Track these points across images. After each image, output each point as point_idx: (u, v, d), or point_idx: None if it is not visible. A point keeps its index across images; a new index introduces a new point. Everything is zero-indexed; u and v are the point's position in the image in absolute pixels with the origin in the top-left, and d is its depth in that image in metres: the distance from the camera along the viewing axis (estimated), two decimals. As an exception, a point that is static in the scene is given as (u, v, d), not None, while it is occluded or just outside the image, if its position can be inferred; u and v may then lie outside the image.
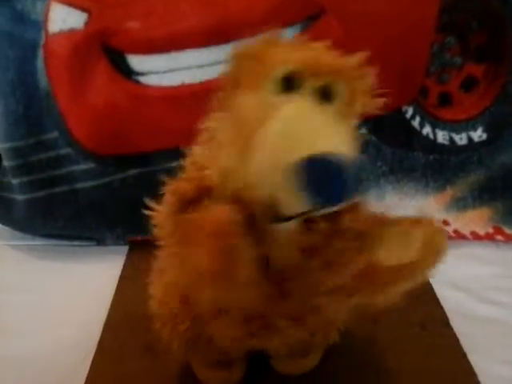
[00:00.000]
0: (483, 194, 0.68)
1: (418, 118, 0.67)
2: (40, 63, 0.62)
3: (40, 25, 0.61)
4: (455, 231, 0.69)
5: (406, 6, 0.61)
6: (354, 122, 0.32)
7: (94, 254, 0.71)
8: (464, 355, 0.51)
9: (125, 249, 0.71)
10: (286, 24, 0.61)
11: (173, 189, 0.33)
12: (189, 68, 0.61)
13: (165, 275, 0.42)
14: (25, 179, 0.66)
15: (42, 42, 0.61)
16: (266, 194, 0.30)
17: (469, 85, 0.67)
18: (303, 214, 0.30)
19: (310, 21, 0.62)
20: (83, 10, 0.59)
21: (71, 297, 0.62)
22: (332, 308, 0.38)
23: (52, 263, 0.68)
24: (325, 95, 0.30)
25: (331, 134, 0.29)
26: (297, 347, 0.45)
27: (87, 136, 0.64)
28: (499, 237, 0.69)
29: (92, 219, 0.67)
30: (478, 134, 0.68)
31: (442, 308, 0.58)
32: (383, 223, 0.35)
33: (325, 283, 0.34)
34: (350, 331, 0.53)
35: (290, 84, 0.30)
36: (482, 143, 0.68)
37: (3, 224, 0.73)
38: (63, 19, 0.59)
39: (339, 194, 0.28)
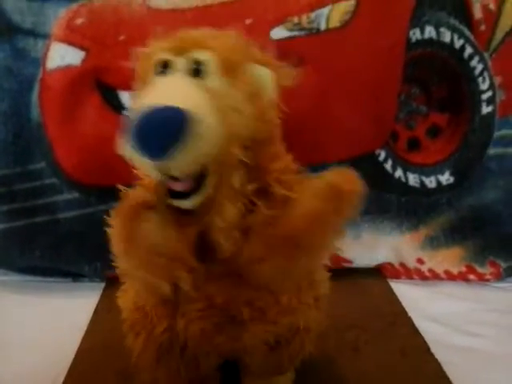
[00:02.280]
0: (455, 234, 0.72)
1: (390, 162, 0.71)
2: (34, 96, 0.65)
3: (39, 61, 0.65)
4: (430, 270, 0.71)
5: (375, 59, 0.68)
6: (244, 90, 0.35)
7: (69, 289, 0.69)
8: (448, 380, 0.51)
9: (101, 286, 0.69)
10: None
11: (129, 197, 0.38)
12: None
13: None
14: (5, 208, 0.66)
15: (39, 77, 0.65)
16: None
17: (434, 132, 0.73)
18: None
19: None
20: (82, 48, 0.64)
21: (44, 327, 0.60)
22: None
23: (25, 297, 0.67)
24: (197, 73, 0.34)
25: (173, 93, 0.32)
26: (272, 360, 0.44)
27: (74, 166, 0.66)
28: (472, 276, 0.71)
29: (71, 250, 0.67)
30: (446, 178, 0.72)
31: (421, 337, 0.58)
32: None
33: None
34: (331, 359, 0.53)
35: (164, 69, 0.35)
36: (450, 186, 0.72)
37: (-24, 258, 0.71)
38: (62, 56, 0.64)
39: (161, 142, 0.30)
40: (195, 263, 0.35)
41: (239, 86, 0.35)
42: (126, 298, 0.44)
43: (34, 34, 0.64)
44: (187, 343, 0.41)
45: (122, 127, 0.32)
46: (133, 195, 0.37)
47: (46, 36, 0.64)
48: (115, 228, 0.36)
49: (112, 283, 0.69)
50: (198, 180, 0.34)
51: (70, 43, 0.64)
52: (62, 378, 0.50)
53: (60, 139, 0.66)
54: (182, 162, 0.31)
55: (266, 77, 0.36)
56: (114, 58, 0.64)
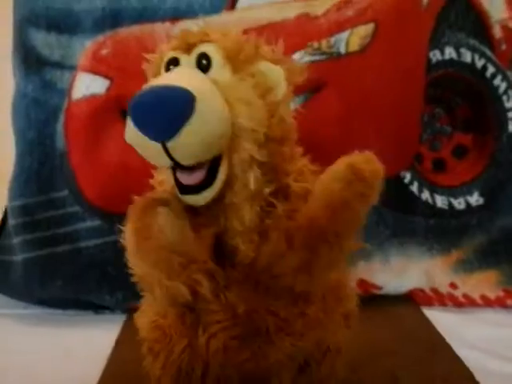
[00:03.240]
0: (488, 257, 0.69)
1: (416, 183, 0.70)
2: (60, 126, 0.66)
3: (65, 92, 0.66)
4: (465, 295, 0.68)
5: (396, 81, 0.68)
6: (254, 85, 0.35)
7: (90, 321, 0.68)
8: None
9: (122, 318, 0.67)
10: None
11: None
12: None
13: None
14: (28, 237, 0.66)
15: (65, 107, 0.66)
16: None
17: (460, 152, 0.71)
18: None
19: (312, 93, 0.68)
20: (107, 77, 0.65)
21: (65, 359, 0.58)
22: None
23: (46, 330, 0.65)
24: (204, 69, 0.34)
25: (176, 77, 0.32)
26: (301, 381, 0.41)
27: (97, 194, 0.65)
28: (510, 301, 0.67)
29: (92, 280, 0.65)
30: (475, 199, 0.70)
31: (463, 364, 0.54)
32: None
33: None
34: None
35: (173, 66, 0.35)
36: (479, 207, 0.70)
37: (-2, 291, 0.70)
38: (87, 86, 0.65)
39: (165, 119, 0.29)
40: (214, 266, 0.34)
41: (248, 80, 0.34)
42: (144, 318, 0.42)
43: (61, 66, 0.66)
44: (209, 364, 0.38)
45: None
46: (149, 194, 0.37)
47: (72, 67, 0.66)
48: (128, 223, 0.34)
49: (133, 315, 0.68)
50: (209, 175, 0.33)
51: (96, 73, 0.65)
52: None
53: (83, 167, 0.66)
54: (188, 142, 0.30)
55: (277, 74, 0.36)
56: (137, 86, 0.65)
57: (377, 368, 0.53)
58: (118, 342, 0.61)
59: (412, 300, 0.69)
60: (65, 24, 0.66)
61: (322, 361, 0.41)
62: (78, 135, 0.66)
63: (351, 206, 0.31)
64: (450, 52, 0.69)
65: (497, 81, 0.70)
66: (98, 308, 0.69)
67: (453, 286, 0.68)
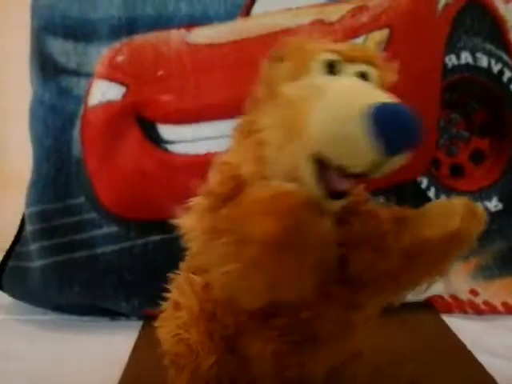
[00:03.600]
0: (508, 264, 0.68)
1: (433, 189, 0.69)
2: (76, 133, 0.66)
3: (81, 99, 0.66)
4: (485, 302, 0.67)
5: (412, 85, 0.67)
6: None
7: (107, 328, 0.67)
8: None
9: (139, 324, 0.67)
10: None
11: (207, 190, 0.34)
12: (215, 138, 0.66)
13: (182, 308, 0.39)
14: (45, 243, 0.66)
15: (81, 113, 0.66)
16: (331, 152, 0.30)
17: (477, 158, 0.70)
18: (366, 173, 0.31)
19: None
20: (123, 84, 0.65)
21: (82, 365, 0.57)
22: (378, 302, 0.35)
23: (63, 335, 0.65)
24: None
25: (387, 94, 0.31)
26: None
27: (113, 200, 0.65)
28: (533, 308, 0.66)
29: (109, 286, 0.65)
30: (494, 204, 0.69)
31: (486, 371, 0.53)
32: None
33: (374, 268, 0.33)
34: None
35: (331, 70, 0.33)
36: (499, 213, 0.69)
37: (15, 297, 0.70)
38: (103, 92, 0.65)
39: (409, 139, 0.29)
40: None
41: None
42: (166, 329, 0.40)
43: (77, 73, 0.67)
44: (239, 376, 0.38)
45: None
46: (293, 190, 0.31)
47: (88, 75, 0.66)
48: (258, 211, 0.29)
49: (150, 321, 0.67)
50: None
51: (112, 79, 0.65)
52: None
53: (99, 174, 0.66)
54: (400, 161, 0.30)
55: (376, 77, 0.35)
56: (153, 92, 0.65)
57: (396, 375, 0.52)
58: (136, 348, 0.60)
59: (431, 307, 0.68)
60: (81, 32, 0.66)
61: (345, 366, 0.40)
62: (95, 142, 0.66)
63: (464, 236, 0.35)
64: (466, 57, 0.69)
65: (514, 85, 0.69)
66: (114, 315, 0.69)
67: (473, 292, 0.67)
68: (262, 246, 0.27)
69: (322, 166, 0.31)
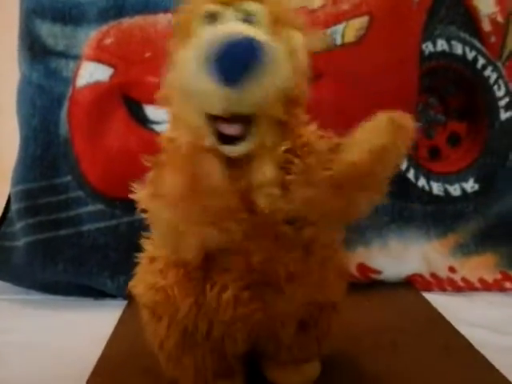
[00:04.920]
0: (485, 241, 0.70)
1: (412, 170, 0.71)
2: (63, 113, 0.68)
3: (69, 80, 0.68)
4: (463, 279, 0.69)
5: (391, 71, 0.70)
6: (285, 46, 0.35)
7: (92, 306, 0.67)
8: (498, 372, 0.47)
9: (123, 303, 0.67)
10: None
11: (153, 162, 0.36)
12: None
13: (157, 259, 0.40)
14: (30, 221, 0.66)
15: (69, 94, 0.68)
16: (195, 102, 0.33)
17: (454, 140, 0.73)
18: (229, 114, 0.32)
19: (309, 81, 0.70)
20: (110, 65, 0.67)
21: (68, 336, 0.58)
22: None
23: (46, 312, 0.65)
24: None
25: (245, 28, 0.32)
26: (300, 341, 0.42)
27: (99, 178, 0.66)
28: (508, 283, 0.68)
29: (94, 264, 0.66)
30: (471, 185, 0.72)
31: (463, 336, 0.54)
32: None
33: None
34: (369, 356, 0.50)
35: (212, 20, 0.35)
36: (475, 193, 0.71)
37: (-1, 278, 0.70)
38: (91, 73, 0.67)
39: (240, 64, 0.30)
40: (245, 216, 0.34)
41: (281, 41, 0.36)
42: (142, 284, 0.41)
43: (65, 55, 0.68)
44: (214, 321, 0.39)
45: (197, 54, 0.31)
46: (184, 141, 0.36)
47: (77, 57, 0.68)
48: (171, 169, 0.33)
49: (135, 301, 0.68)
50: (245, 127, 0.34)
51: (99, 61, 0.67)
52: (86, 378, 0.47)
53: (86, 153, 0.67)
54: (256, 93, 0.31)
55: (299, 40, 0.37)
56: (140, 73, 0.67)
57: (377, 341, 0.53)
58: (121, 321, 0.61)
59: (412, 286, 0.70)
60: (70, 15, 0.68)
61: (319, 318, 0.42)
62: (81, 122, 0.67)
63: (395, 149, 0.34)
64: (442, 44, 0.72)
65: (487, 71, 0.72)
66: (98, 295, 0.69)
67: (451, 269, 0.69)
68: (166, 198, 0.31)
69: (212, 116, 0.34)
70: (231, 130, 0.34)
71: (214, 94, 0.31)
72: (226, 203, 0.33)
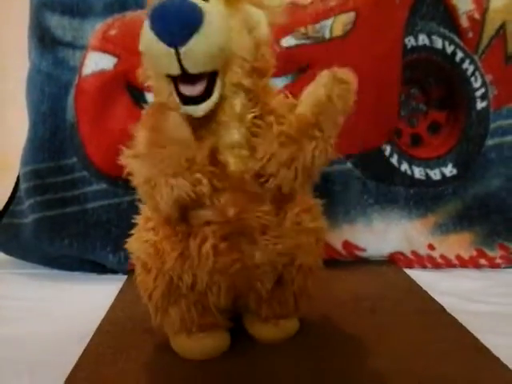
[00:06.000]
0: (462, 221, 0.75)
1: (395, 156, 0.77)
2: (70, 100, 0.73)
3: (76, 69, 0.73)
4: (442, 256, 0.73)
5: (376, 63, 0.75)
6: (242, 21, 0.39)
7: (95, 279, 0.72)
8: (465, 329, 0.52)
9: (124, 277, 0.72)
10: (280, 74, 0.75)
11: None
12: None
13: (151, 218, 0.44)
14: (38, 199, 0.71)
15: (75, 82, 0.73)
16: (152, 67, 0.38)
17: (435, 128, 0.78)
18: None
19: (299, 73, 0.76)
20: (114, 55, 0.72)
21: (71, 304, 0.63)
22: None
23: (51, 284, 0.70)
24: None
25: None
26: (278, 296, 0.46)
27: (103, 159, 0.71)
28: (483, 260, 0.73)
29: (97, 239, 0.70)
30: (449, 170, 0.77)
31: (437, 302, 0.59)
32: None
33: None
34: (349, 319, 0.55)
35: None
36: (454, 177, 0.77)
37: (7, 253, 0.75)
38: (96, 62, 0.72)
39: (181, 27, 0.33)
40: (213, 169, 0.39)
41: (238, 16, 0.39)
42: (139, 239, 0.45)
43: (73, 45, 0.73)
44: (198, 272, 0.42)
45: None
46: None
47: (83, 47, 0.73)
48: (141, 126, 0.39)
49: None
50: (206, 90, 0.38)
51: (104, 51, 0.72)
52: (89, 337, 0.51)
53: (91, 136, 0.72)
54: (198, 49, 0.35)
55: (259, 15, 0.41)
56: (140, 62, 0.72)
57: (357, 307, 0.58)
58: (121, 291, 0.65)
59: (394, 263, 0.75)
60: (77, 9, 0.73)
61: (296, 276, 0.46)
62: (87, 108, 0.72)
63: (334, 102, 0.38)
64: (423, 39, 0.77)
65: (465, 64, 0.77)
66: (101, 271, 0.73)
67: (431, 247, 0.74)
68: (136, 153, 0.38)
69: (173, 78, 0.38)
70: (192, 90, 0.37)
71: (164, 55, 0.35)
72: (191, 154, 0.38)
